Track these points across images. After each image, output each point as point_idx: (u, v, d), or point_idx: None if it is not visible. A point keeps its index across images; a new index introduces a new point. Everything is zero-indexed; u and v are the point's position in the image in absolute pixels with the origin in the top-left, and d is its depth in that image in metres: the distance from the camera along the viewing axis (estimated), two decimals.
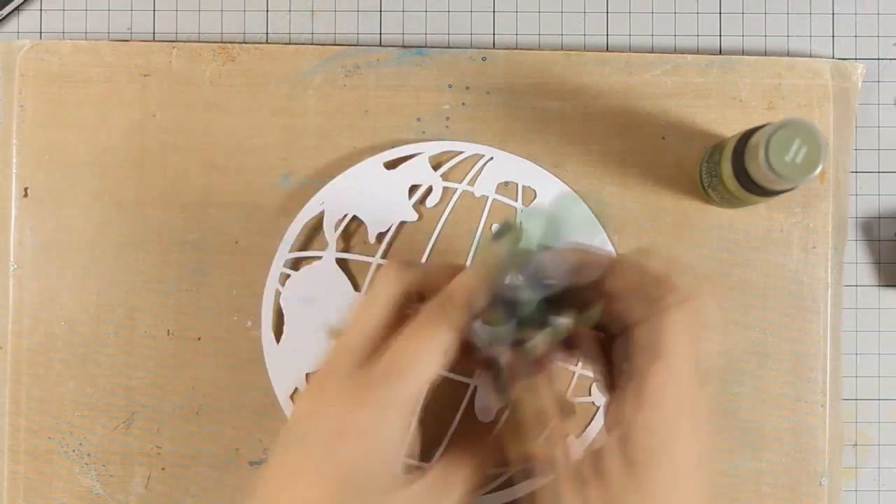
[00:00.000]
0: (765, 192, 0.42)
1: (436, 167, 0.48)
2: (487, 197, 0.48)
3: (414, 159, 0.48)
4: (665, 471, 0.32)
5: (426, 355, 0.34)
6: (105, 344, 0.48)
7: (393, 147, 0.48)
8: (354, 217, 0.48)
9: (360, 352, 0.35)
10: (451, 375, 0.48)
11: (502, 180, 0.49)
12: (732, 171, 0.42)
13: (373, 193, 0.48)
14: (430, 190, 0.48)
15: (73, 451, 0.48)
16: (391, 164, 0.48)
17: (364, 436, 0.33)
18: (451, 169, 0.48)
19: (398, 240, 0.48)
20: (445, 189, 0.48)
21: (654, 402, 0.32)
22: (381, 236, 0.48)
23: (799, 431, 0.48)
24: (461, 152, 0.49)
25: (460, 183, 0.48)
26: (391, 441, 0.34)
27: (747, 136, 0.42)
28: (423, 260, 0.48)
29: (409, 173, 0.48)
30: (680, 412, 0.32)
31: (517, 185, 0.48)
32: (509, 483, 0.47)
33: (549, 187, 0.48)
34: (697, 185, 0.48)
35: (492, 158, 0.48)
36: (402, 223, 0.48)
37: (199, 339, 0.48)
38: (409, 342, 0.34)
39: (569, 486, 0.33)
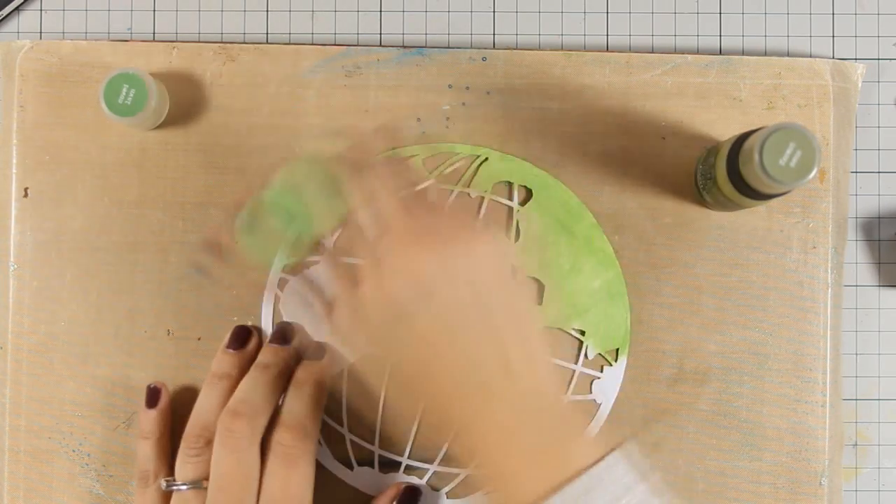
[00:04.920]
0: (759, 196, 0.42)
1: (431, 169, 0.49)
2: (483, 197, 0.48)
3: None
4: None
5: None
6: (105, 344, 0.49)
7: (391, 150, 0.48)
8: None
9: None
10: None
11: (497, 181, 0.48)
12: (727, 174, 0.42)
13: None
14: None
15: (73, 451, 0.48)
16: None
17: None
18: (446, 171, 0.48)
19: None
20: (441, 191, 0.48)
21: None
22: None
23: (799, 431, 0.48)
24: (456, 153, 0.49)
25: (456, 184, 0.48)
26: None
27: (742, 139, 0.42)
28: None
29: None
30: None
31: (513, 185, 0.48)
32: (468, 491, 0.48)
33: (543, 186, 0.48)
34: (692, 188, 0.48)
35: (486, 159, 0.48)
36: None
37: (199, 339, 0.48)
38: None
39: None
